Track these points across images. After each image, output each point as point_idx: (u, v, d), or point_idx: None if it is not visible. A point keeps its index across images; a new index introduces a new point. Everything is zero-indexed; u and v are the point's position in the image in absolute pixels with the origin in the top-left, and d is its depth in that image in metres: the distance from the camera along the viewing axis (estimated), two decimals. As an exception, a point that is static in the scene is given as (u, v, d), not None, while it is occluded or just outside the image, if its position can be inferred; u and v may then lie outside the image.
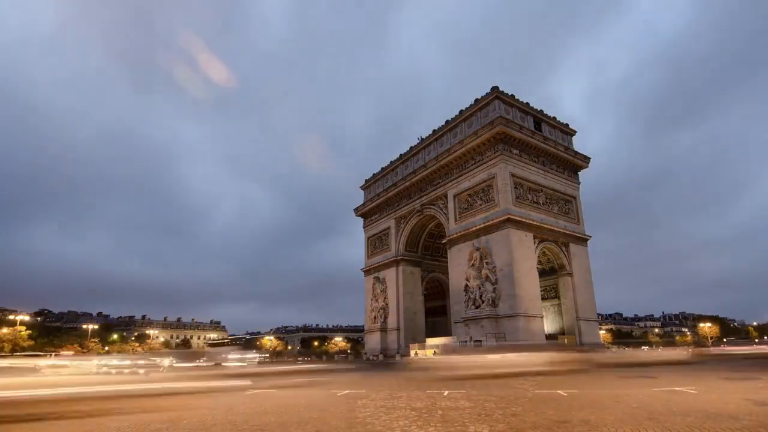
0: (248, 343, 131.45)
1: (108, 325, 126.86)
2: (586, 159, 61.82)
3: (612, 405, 10.16)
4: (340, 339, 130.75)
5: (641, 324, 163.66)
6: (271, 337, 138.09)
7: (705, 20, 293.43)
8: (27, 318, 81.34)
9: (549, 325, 56.16)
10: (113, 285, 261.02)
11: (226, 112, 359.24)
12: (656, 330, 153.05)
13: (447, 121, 63.30)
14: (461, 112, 60.56)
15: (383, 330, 70.35)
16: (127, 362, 30.17)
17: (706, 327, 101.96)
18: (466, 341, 51.05)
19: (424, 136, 68.26)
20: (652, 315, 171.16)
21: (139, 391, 15.85)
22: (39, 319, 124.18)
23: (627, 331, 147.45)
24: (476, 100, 58.22)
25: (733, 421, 7.85)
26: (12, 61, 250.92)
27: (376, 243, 77.92)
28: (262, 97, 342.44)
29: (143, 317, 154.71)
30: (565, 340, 53.22)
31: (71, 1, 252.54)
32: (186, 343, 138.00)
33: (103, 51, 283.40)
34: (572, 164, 60.98)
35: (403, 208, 71.13)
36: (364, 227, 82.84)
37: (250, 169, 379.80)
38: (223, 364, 33.37)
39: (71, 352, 67.68)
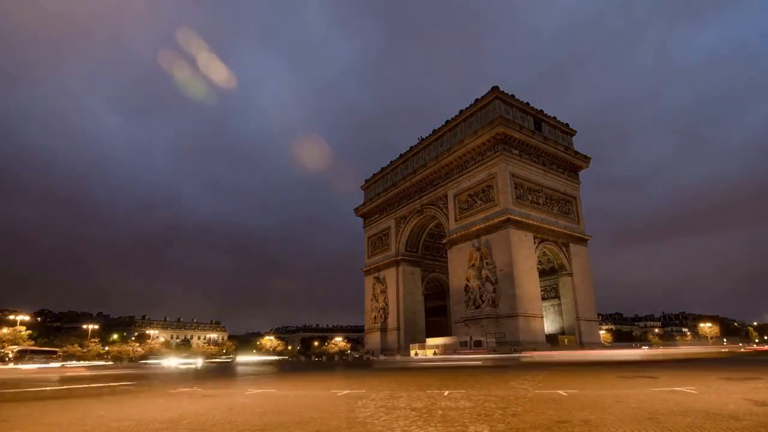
0: (243, 341, 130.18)
1: (108, 325, 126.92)
2: (587, 159, 61.81)
3: (612, 405, 10.14)
4: (340, 339, 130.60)
5: (641, 324, 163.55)
6: (271, 337, 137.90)
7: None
8: (27, 318, 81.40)
9: (549, 325, 56.11)
10: (113, 285, 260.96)
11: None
12: (656, 330, 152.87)
13: (447, 121, 63.25)
14: (461, 112, 60.51)
15: (383, 330, 70.39)
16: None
17: (706, 327, 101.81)
18: (466, 341, 51.08)
19: (424, 136, 68.26)
20: (652, 315, 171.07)
21: None
22: (39, 319, 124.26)
23: (627, 331, 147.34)
24: (476, 100, 58.14)
25: (733, 421, 7.84)
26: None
27: (376, 243, 77.93)
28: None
29: (143, 317, 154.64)
30: (566, 340, 53.20)
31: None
32: (186, 343, 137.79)
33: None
34: (572, 164, 60.99)
35: (403, 208, 71.13)
36: (364, 227, 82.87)
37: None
38: None
39: None
